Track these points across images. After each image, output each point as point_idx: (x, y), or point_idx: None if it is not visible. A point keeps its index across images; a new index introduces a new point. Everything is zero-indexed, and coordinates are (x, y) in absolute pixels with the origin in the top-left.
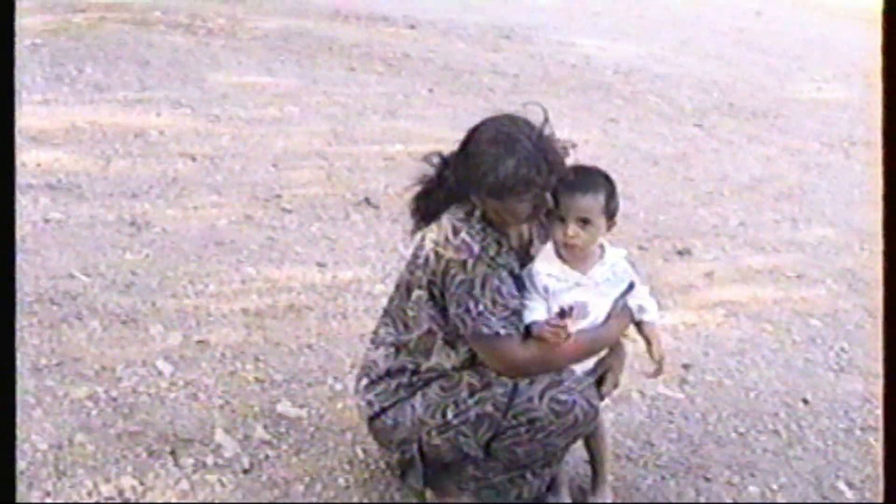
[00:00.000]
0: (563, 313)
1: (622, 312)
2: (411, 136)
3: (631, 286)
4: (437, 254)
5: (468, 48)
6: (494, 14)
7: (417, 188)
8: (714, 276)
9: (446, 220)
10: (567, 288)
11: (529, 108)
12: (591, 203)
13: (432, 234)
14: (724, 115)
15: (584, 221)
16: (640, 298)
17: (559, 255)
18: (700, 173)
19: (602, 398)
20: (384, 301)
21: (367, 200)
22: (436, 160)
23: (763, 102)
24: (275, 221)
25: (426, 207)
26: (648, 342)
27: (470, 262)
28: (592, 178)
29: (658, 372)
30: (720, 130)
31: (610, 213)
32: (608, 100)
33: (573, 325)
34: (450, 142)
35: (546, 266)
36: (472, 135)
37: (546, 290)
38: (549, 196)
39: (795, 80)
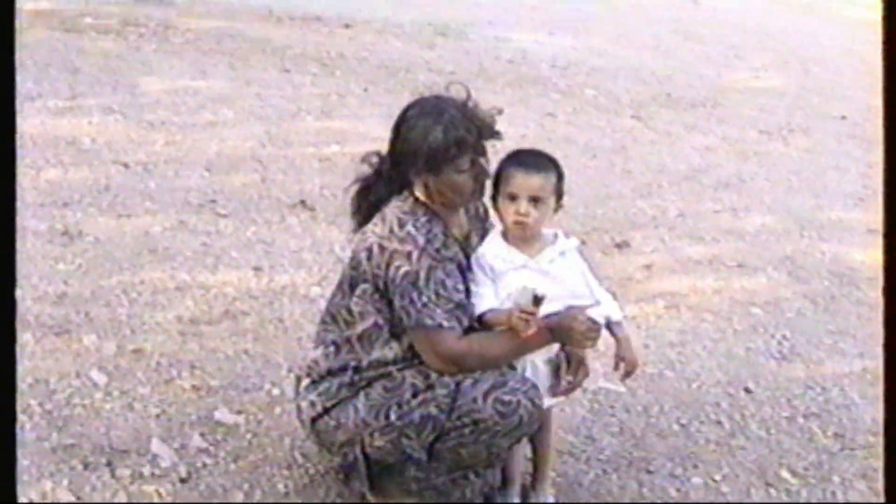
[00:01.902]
0: (536, 300)
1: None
2: (347, 136)
3: (597, 304)
4: (381, 246)
5: (403, 46)
6: (429, 11)
7: (356, 187)
8: (653, 267)
9: (391, 214)
10: (514, 268)
11: (453, 87)
12: (543, 182)
13: (376, 227)
14: (662, 105)
15: (536, 200)
16: (605, 306)
17: (506, 239)
18: (638, 165)
19: (573, 388)
20: (322, 304)
21: (302, 203)
22: (374, 159)
23: (701, 92)
24: (209, 227)
25: (366, 206)
26: (619, 344)
27: (415, 253)
28: (544, 159)
29: (629, 374)
30: (658, 121)
31: (559, 194)
32: (545, 94)
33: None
34: (386, 140)
35: (493, 248)
36: (402, 115)
37: (492, 270)
38: (486, 164)
39: (732, 68)
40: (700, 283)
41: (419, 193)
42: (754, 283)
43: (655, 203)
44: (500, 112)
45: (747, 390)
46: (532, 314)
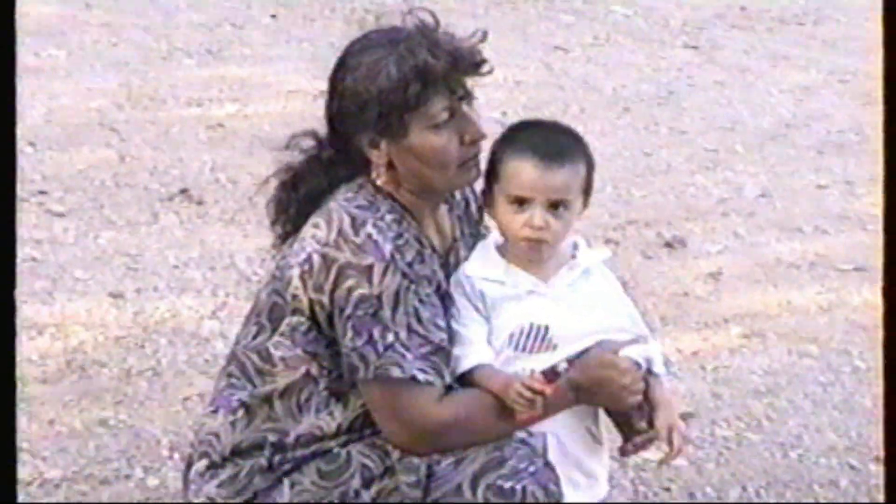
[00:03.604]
0: (553, 373)
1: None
2: (248, 90)
3: (636, 340)
4: (325, 257)
5: None
6: None
7: (279, 181)
8: (723, 276)
9: (339, 209)
10: (514, 297)
11: (413, 14)
12: (569, 179)
13: (318, 230)
14: (733, 26)
15: (557, 205)
16: (644, 348)
17: (502, 252)
18: (696, 120)
19: (644, 446)
20: (220, 347)
21: (184, 192)
22: (308, 143)
23: (795, 1)
24: (40, 232)
25: (297, 205)
26: (658, 409)
27: (377, 268)
28: (567, 140)
29: (673, 455)
30: (726, 51)
31: (588, 190)
32: (551, 16)
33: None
34: (308, 95)
35: (482, 266)
36: (340, 59)
37: (483, 298)
38: (475, 116)
39: None
40: (797, 297)
41: (379, 177)
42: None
43: (724, 178)
44: (484, 37)
45: (879, 460)
46: (541, 393)
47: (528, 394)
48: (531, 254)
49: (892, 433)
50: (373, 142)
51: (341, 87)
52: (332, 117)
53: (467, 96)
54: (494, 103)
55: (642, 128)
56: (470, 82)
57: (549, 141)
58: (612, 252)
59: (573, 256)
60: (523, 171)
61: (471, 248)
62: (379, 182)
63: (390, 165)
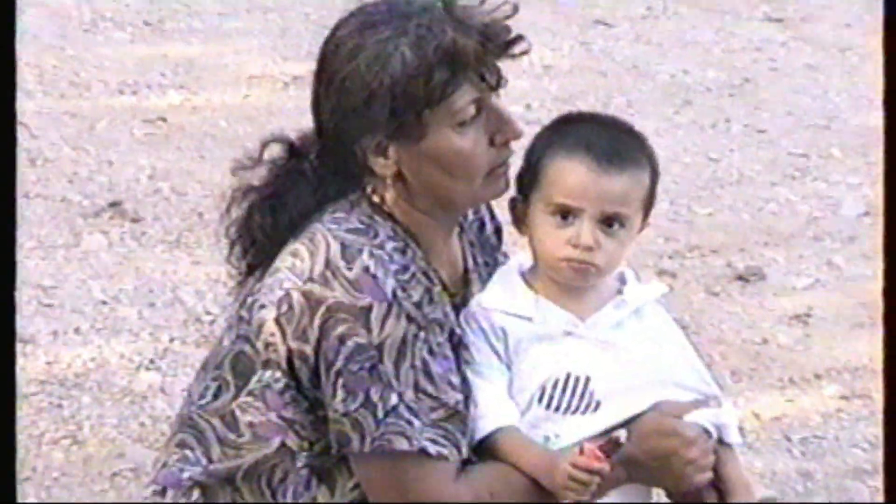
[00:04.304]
0: (611, 444)
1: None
2: (197, 74)
3: (705, 402)
4: (309, 296)
5: None
6: None
7: (244, 204)
8: (813, 317)
9: (326, 232)
10: (546, 339)
11: None
12: (631, 188)
13: (298, 259)
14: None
15: (611, 221)
16: (714, 412)
17: (528, 281)
18: (780, 115)
19: None
20: (162, 405)
21: (114, 206)
22: (276, 149)
23: None
24: None
25: (266, 235)
26: (726, 491)
27: (377, 310)
28: (630, 143)
29: None
30: (821, 25)
31: (650, 204)
32: None
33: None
34: (276, 81)
35: (505, 298)
36: (331, 45)
37: (504, 337)
38: (505, 111)
39: None
40: None
41: (384, 192)
42: None
43: (815, 191)
44: (515, 9)
45: None
46: (598, 472)
47: (584, 476)
48: (575, 280)
49: (892, 433)
50: (380, 147)
51: (338, 77)
52: (325, 117)
53: (499, 85)
54: (516, 94)
55: (708, 126)
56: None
57: (608, 139)
58: (668, 287)
59: (619, 292)
60: (573, 174)
61: (485, 277)
62: (381, 199)
63: (398, 177)
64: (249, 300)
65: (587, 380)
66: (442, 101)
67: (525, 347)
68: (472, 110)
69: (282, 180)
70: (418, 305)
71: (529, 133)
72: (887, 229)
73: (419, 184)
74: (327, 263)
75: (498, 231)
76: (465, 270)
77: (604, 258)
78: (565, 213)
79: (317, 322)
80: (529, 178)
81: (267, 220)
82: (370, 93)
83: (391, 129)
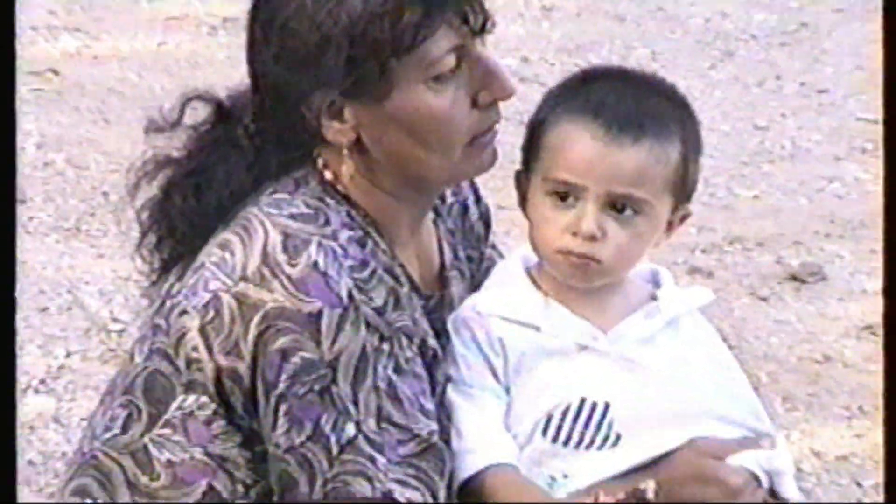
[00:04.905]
0: (637, 496)
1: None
2: (98, 17)
3: (755, 441)
4: (242, 300)
5: None
6: None
7: (162, 180)
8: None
9: (263, 219)
10: (556, 353)
11: None
12: (649, 162)
13: (228, 252)
14: None
15: (622, 205)
16: (766, 454)
17: (536, 281)
18: (844, 73)
19: None
20: (55, 437)
21: None
22: (201, 110)
23: None
24: None
25: (188, 222)
26: None
27: (328, 317)
28: (656, 105)
29: None
30: None
31: (683, 188)
32: None
33: None
34: (201, 24)
35: (505, 300)
36: None
37: (501, 351)
38: (494, 62)
39: None
40: None
41: (333, 166)
42: None
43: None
44: None
45: None
46: None
47: None
48: (574, 279)
49: (892, 433)
50: (333, 107)
51: (281, 17)
52: (264, 68)
53: (485, 28)
54: (509, 44)
55: (754, 84)
56: None
57: (626, 100)
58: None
59: (653, 297)
60: (577, 144)
61: (472, 279)
62: (335, 175)
63: (356, 146)
64: (168, 304)
65: (606, 407)
66: (413, 49)
67: (529, 364)
68: (450, 61)
69: (208, 151)
70: (381, 311)
71: (526, 94)
72: (887, 230)
73: (383, 155)
74: (265, 258)
75: (485, 217)
76: (442, 266)
77: (610, 251)
78: (565, 194)
79: (252, 332)
80: (530, 150)
81: (189, 201)
82: (322, 36)
83: (348, 84)
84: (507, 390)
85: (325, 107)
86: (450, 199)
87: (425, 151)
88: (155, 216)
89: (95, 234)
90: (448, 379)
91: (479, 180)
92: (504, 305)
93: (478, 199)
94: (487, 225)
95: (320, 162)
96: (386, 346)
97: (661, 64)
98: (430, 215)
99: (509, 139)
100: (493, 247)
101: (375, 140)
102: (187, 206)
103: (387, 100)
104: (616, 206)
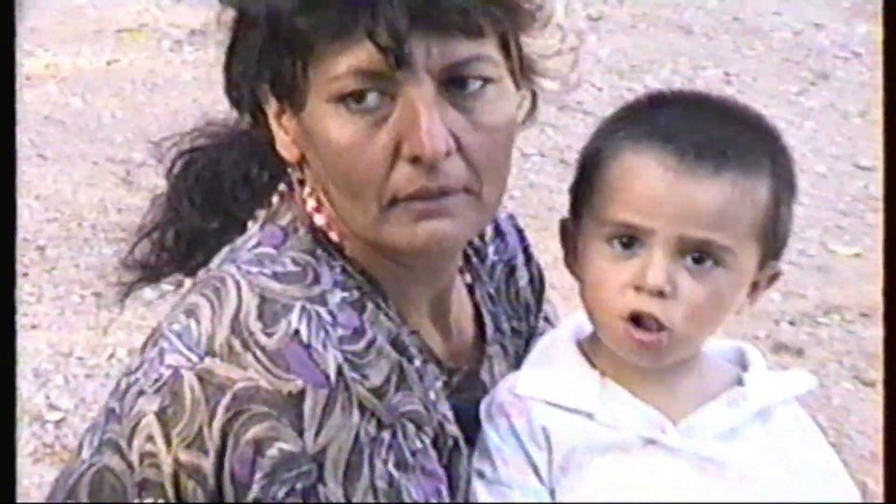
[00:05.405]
0: None
1: None
2: (41, 23)
3: None
4: (203, 380)
5: None
6: None
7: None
8: None
9: (238, 278)
10: (615, 448)
11: None
12: (733, 201)
13: (191, 318)
14: None
15: (700, 254)
16: None
17: (588, 355)
18: None
19: None
20: None
21: None
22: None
23: None
24: None
25: (200, 209)
26: None
27: (311, 399)
28: (737, 133)
29: None
30: None
31: (773, 237)
32: None
33: None
34: (165, 36)
35: (551, 378)
36: None
37: (546, 442)
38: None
39: None
40: None
41: (306, 199)
42: None
43: None
44: None
45: None
46: None
47: None
48: (637, 356)
49: (892, 433)
50: (278, 113)
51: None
52: (236, 73)
53: (406, 62)
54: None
55: (855, 114)
56: None
57: (704, 125)
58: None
59: (738, 382)
60: (640, 176)
61: (517, 357)
62: (327, 220)
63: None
64: (124, 383)
65: None
66: (311, 53)
67: (580, 461)
68: (349, 83)
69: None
70: (379, 391)
71: (568, 125)
72: (887, 230)
73: (316, 186)
74: (235, 326)
75: (536, 282)
76: (482, 340)
77: (682, 313)
78: (628, 241)
79: (219, 419)
80: (582, 191)
81: (203, 182)
82: (251, 16)
83: (272, 78)
84: (552, 493)
85: (273, 112)
86: (492, 258)
87: (339, 191)
88: (162, 207)
89: (28, 300)
90: (480, 475)
91: None
92: (549, 387)
93: (528, 258)
94: (540, 291)
95: (305, 192)
96: (386, 436)
97: (736, 88)
98: (462, 278)
99: (546, 180)
100: (547, 319)
101: (312, 162)
102: (200, 187)
103: (303, 111)
104: (691, 254)
